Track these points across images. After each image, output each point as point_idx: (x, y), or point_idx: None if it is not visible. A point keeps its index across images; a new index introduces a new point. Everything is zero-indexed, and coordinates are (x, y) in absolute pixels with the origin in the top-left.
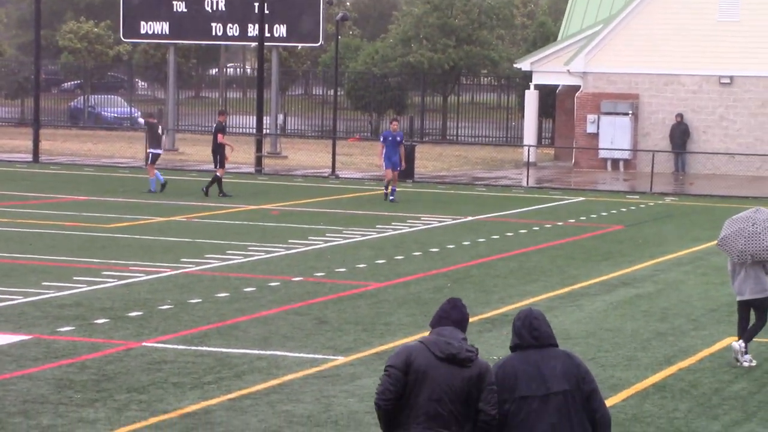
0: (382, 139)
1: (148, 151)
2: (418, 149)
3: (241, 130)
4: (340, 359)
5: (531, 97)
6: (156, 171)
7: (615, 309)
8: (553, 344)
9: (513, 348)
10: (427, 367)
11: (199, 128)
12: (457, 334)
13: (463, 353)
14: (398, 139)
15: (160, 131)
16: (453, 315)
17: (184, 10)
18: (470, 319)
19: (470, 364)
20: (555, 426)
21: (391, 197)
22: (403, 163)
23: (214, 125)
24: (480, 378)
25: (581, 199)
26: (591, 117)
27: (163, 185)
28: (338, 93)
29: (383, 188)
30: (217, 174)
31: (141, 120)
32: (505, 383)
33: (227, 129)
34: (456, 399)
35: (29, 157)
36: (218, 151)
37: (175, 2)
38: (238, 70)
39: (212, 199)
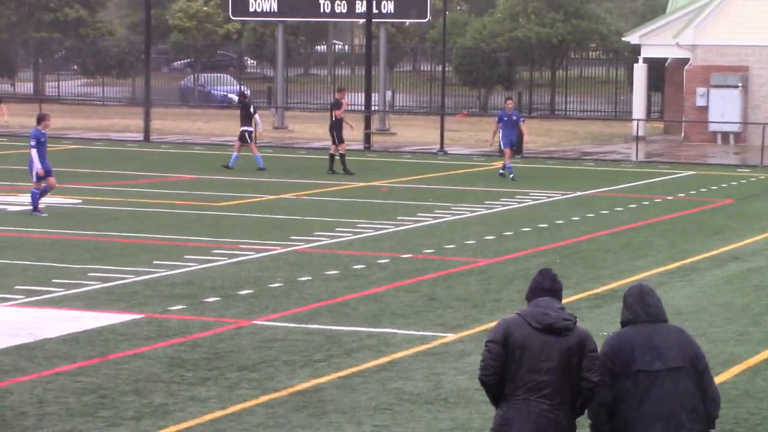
0: (497, 119)
1: (242, 129)
2: (526, 124)
3: (349, 107)
4: (450, 336)
5: (640, 71)
6: (254, 149)
7: (726, 284)
8: (664, 320)
9: (624, 323)
10: (525, 339)
11: (308, 106)
12: (553, 303)
13: (560, 322)
14: (514, 118)
15: (252, 110)
16: (546, 285)
17: None
18: (580, 295)
19: (568, 332)
20: (671, 401)
21: (511, 175)
22: (527, 138)
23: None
24: (580, 346)
25: (691, 173)
26: (701, 90)
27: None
28: (446, 69)
29: (500, 168)
30: (331, 151)
31: (234, 97)
32: (621, 356)
33: (348, 107)
34: (556, 369)
35: (140, 137)
36: (334, 128)
37: None
38: (346, 47)
39: (322, 176)
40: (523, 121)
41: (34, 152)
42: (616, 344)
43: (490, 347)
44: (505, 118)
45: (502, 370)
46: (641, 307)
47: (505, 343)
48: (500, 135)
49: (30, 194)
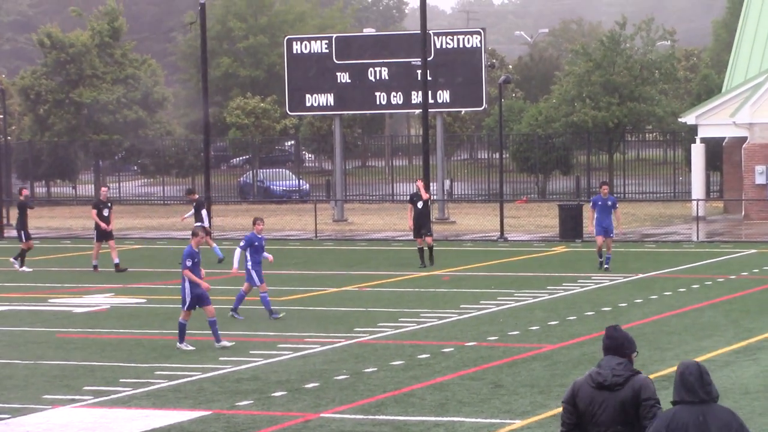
0: (591, 205)
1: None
2: (585, 208)
3: (407, 197)
4: (518, 423)
5: (697, 151)
6: (211, 242)
7: None
8: (716, 399)
9: (677, 402)
10: (587, 396)
11: (367, 197)
12: (611, 361)
13: (610, 379)
14: (609, 203)
15: (199, 205)
16: (606, 343)
17: (348, 81)
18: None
19: (619, 387)
20: None
21: (605, 265)
22: (620, 228)
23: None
24: (634, 397)
25: (753, 251)
26: (759, 168)
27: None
28: (503, 155)
29: (597, 256)
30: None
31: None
32: None
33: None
34: (616, 420)
35: None
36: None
37: (339, 74)
38: (402, 137)
39: (384, 267)
40: (576, 202)
41: (238, 252)
42: (670, 424)
43: (564, 407)
44: (600, 203)
45: (576, 425)
46: (701, 386)
47: (574, 402)
48: (594, 221)
49: (261, 299)
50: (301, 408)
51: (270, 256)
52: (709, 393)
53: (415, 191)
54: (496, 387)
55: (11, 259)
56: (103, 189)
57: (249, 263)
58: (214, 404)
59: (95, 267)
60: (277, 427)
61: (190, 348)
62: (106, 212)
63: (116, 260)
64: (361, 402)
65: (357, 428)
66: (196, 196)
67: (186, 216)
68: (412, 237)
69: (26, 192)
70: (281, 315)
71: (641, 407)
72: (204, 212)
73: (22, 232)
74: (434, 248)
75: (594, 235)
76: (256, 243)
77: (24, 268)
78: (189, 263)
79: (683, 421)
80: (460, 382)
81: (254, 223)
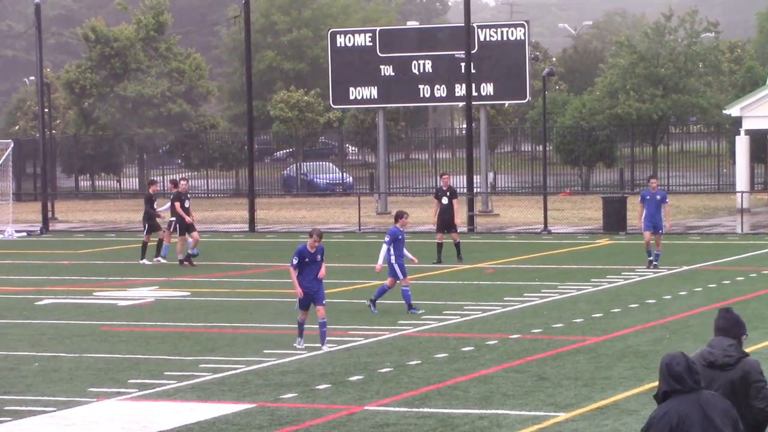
0: (640, 199)
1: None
2: (629, 200)
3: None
4: (562, 415)
5: (742, 143)
6: (168, 239)
7: None
8: (704, 387)
9: (666, 393)
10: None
11: (411, 190)
12: (722, 342)
13: (721, 359)
14: (658, 197)
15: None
16: (718, 324)
17: (392, 74)
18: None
19: (730, 368)
20: None
21: (654, 262)
22: (668, 224)
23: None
24: (743, 378)
25: None
26: None
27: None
28: (547, 148)
29: (646, 254)
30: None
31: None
32: (681, 429)
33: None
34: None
35: (246, 227)
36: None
37: (382, 67)
38: (445, 130)
39: (428, 260)
40: (620, 194)
41: (384, 248)
42: (661, 423)
43: None
44: (648, 197)
45: None
46: (690, 375)
47: None
48: (643, 216)
49: (402, 293)
50: (345, 401)
51: (414, 258)
52: (698, 382)
53: (440, 186)
54: (541, 380)
55: (159, 258)
56: (182, 182)
57: (392, 257)
58: (258, 397)
59: (181, 262)
60: (322, 419)
61: (301, 346)
62: (186, 204)
63: (195, 251)
64: (405, 395)
65: (401, 421)
66: (176, 189)
67: (161, 209)
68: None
69: (156, 187)
70: (420, 312)
71: (751, 388)
72: (178, 204)
73: (147, 224)
74: (478, 241)
75: (642, 231)
76: (400, 237)
77: (144, 261)
78: (295, 261)
79: (683, 412)
80: (504, 374)
81: (399, 217)
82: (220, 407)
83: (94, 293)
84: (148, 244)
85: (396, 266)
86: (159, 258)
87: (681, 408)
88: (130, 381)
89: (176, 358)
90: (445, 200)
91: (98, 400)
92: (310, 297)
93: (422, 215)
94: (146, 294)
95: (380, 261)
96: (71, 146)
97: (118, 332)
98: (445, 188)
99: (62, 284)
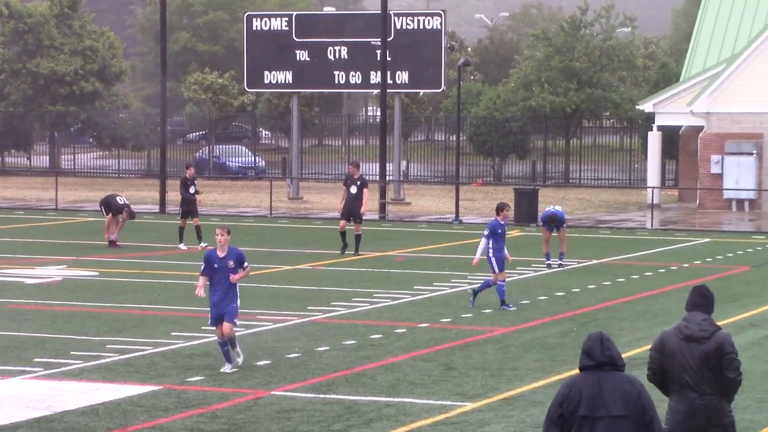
0: (542, 223)
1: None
2: (540, 193)
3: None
4: (468, 405)
5: (654, 139)
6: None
7: (744, 351)
8: (620, 367)
9: (580, 369)
10: (674, 346)
11: (323, 176)
12: (696, 316)
13: (697, 333)
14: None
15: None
16: (694, 300)
17: (307, 59)
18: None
19: (705, 341)
20: None
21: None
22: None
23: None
24: (717, 349)
25: (706, 240)
26: (715, 157)
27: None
28: (460, 138)
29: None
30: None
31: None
32: (570, 403)
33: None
34: (699, 368)
35: (156, 208)
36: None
37: (298, 52)
38: (359, 117)
39: (338, 246)
40: (531, 186)
41: (483, 242)
42: (564, 390)
43: (650, 354)
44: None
45: (662, 371)
46: (601, 350)
47: (661, 351)
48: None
49: (496, 288)
50: (252, 385)
51: (509, 257)
52: (610, 357)
53: (348, 173)
54: (448, 369)
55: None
56: (190, 169)
57: (490, 251)
58: (164, 379)
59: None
60: (228, 403)
61: (230, 370)
62: (192, 190)
63: (203, 243)
64: (312, 380)
65: (308, 407)
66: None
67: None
68: (367, 217)
69: (191, 171)
70: (512, 308)
71: (723, 359)
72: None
73: (182, 209)
74: (389, 229)
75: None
76: (500, 231)
77: (182, 246)
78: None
79: (579, 387)
80: (412, 363)
81: (501, 209)
82: (126, 388)
83: (1, 271)
84: (184, 228)
85: (493, 260)
86: (203, 244)
87: (579, 383)
88: (35, 360)
89: (83, 338)
90: (354, 189)
91: (2, 378)
92: (219, 311)
93: (334, 201)
94: (54, 273)
95: (478, 254)
96: None
97: (24, 310)
98: (355, 177)
99: None
